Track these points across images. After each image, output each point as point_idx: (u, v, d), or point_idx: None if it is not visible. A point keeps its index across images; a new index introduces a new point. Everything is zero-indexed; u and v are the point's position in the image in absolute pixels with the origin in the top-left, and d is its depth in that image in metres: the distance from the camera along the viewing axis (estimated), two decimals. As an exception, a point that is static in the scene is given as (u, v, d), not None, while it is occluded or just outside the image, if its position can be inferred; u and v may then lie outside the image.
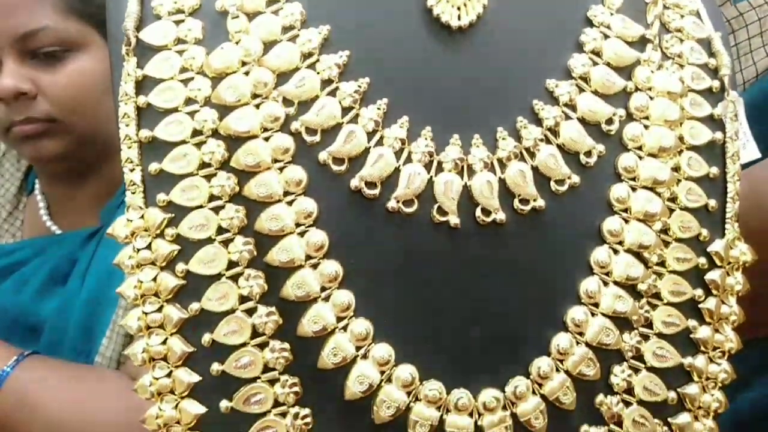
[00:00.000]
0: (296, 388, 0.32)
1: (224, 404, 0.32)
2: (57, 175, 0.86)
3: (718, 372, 0.36)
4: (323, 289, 0.33)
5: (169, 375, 0.32)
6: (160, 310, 0.33)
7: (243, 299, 0.32)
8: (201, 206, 0.33)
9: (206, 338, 0.32)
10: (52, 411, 0.67)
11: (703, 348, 0.36)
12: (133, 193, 0.33)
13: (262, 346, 0.32)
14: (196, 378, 0.32)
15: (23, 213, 0.94)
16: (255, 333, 0.32)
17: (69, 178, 0.85)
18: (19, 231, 0.93)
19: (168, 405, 0.32)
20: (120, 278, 0.84)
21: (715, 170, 0.38)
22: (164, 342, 0.32)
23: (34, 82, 0.74)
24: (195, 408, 0.32)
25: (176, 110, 0.34)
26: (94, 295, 0.80)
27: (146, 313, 0.32)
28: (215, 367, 0.32)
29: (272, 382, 0.32)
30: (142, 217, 0.33)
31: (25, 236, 0.92)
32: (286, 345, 0.32)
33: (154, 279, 0.33)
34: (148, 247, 0.33)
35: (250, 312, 0.32)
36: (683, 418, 0.36)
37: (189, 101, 0.34)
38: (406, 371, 0.33)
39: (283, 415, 0.32)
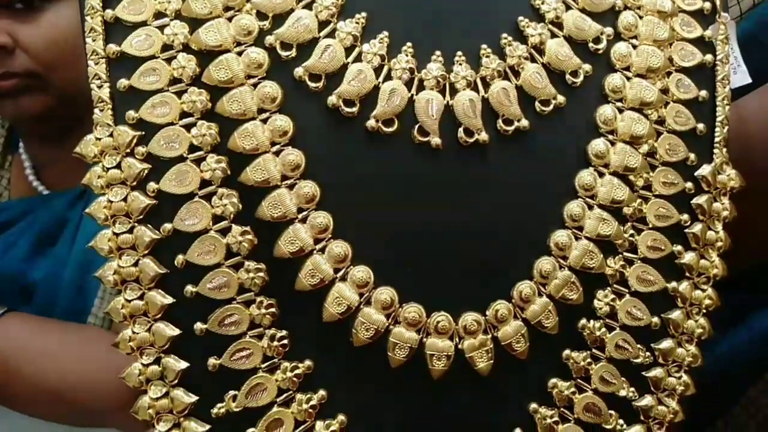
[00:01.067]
0: (272, 309, 0.31)
1: (199, 326, 0.32)
2: (39, 136, 0.84)
3: (703, 298, 0.36)
4: (300, 210, 0.32)
5: (141, 297, 0.32)
6: (131, 231, 0.32)
7: (217, 219, 0.31)
8: (172, 123, 0.31)
9: (179, 259, 0.32)
10: (33, 367, 0.65)
11: (688, 273, 0.36)
12: (101, 110, 0.32)
13: (236, 266, 0.31)
14: (169, 300, 0.32)
15: (9, 172, 0.92)
16: (229, 253, 0.31)
17: (51, 139, 0.83)
18: (6, 190, 0.92)
19: (141, 327, 0.31)
20: None
21: (704, 93, 0.37)
22: (136, 264, 0.32)
23: (11, 34, 0.70)
24: (169, 330, 0.32)
25: (145, 24, 0.32)
26: (84, 255, 0.79)
27: (117, 234, 0.31)
28: (189, 288, 0.32)
29: (248, 303, 0.32)
30: (111, 135, 0.32)
31: (13, 195, 0.91)
32: (262, 265, 0.31)
33: (125, 199, 0.31)
34: (118, 166, 0.32)
35: (224, 232, 0.31)
36: (667, 343, 0.35)
37: (158, 14, 0.32)
38: (386, 294, 0.32)
39: (260, 337, 0.32)
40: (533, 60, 0.34)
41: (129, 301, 0.31)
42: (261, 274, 0.31)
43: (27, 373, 0.65)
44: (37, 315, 0.77)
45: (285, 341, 0.32)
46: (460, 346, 0.33)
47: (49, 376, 0.65)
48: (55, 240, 0.80)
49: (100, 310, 0.77)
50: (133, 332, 0.31)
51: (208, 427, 0.32)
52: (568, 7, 0.35)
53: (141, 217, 0.31)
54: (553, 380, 0.34)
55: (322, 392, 0.32)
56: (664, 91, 0.35)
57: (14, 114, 0.76)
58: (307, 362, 0.32)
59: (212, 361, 0.32)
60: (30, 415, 0.68)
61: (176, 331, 0.32)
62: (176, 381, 0.32)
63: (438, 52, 0.33)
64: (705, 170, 0.36)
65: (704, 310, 0.36)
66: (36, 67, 0.71)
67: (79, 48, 0.73)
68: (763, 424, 0.68)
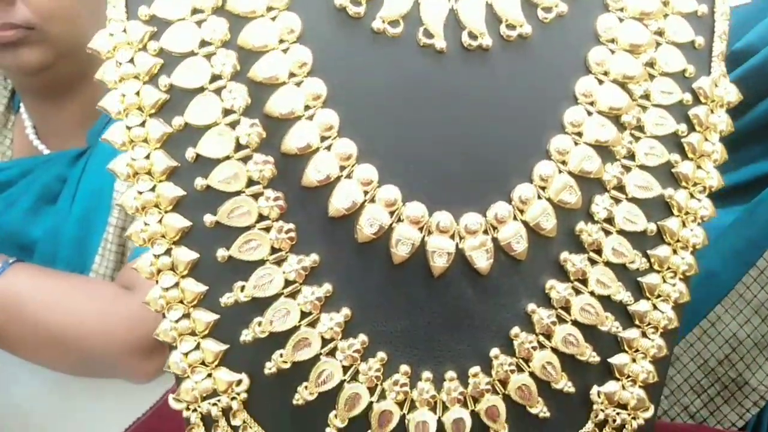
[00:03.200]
0: (280, 202, 0.32)
1: (209, 218, 0.33)
2: (39, 93, 0.85)
3: (698, 208, 0.37)
4: (307, 107, 0.33)
5: (153, 189, 0.33)
6: (143, 124, 0.33)
7: (227, 112, 0.32)
8: (183, 19, 0.32)
9: (190, 153, 0.33)
10: (41, 313, 0.67)
11: (684, 183, 0.36)
12: (114, 6, 0.32)
13: (245, 159, 0.32)
14: (180, 192, 0.33)
15: (12, 132, 0.93)
16: (239, 146, 0.32)
17: (51, 97, 0.83)
18: (9, 150, 0.93)
19: (153, 219, 0.32)
20: (109, 198, 0.84)
21: (704, 8, 0.37)
22: (148, 157, 0.33)
23: None
24: (179, 222, 0.33)
25: None
26: (84, 213, 0.80)
27: (129, 127, 0.32)
28: (199, 182, 0.33)
29: (256, 196, 0.33)
30: (125, 30, 0.33)
31: (14, 156, 0.92)
32: (270, 158, 0.32)
33: (137, 93, 0.32)
34: (131, 61, 0.33)
35: (234, 125, 0.32)
36: (662, 250, 0.36)
37: None
38: (390, 192, 0.33)
39: (267, 229, 0.33)
40: (536, -32, 0.35)
41: (141, 194, 0.33)
42: (269, 166, 0.32)
43: (34, 318, 0.67)
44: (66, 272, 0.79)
45: (292, 234, 0.33)
46: (460, 246, 0.34)
47: (55, 321, 0.67)
48: (55, 198, 0.82)
49: (101, 267, 0.79)
50: (145, 224, 0.33)
51: (217, 316, 0.33)
52: None
53: (153, 111, 0.33)
54: (551, 282, 0.35)
55: (327, 286, 0.33)
56: (665, 3, 0.36)
57: (13, 65, 0.77)
58: (314, 256, 0.33)
59: (222, 252, 0.33)
60: (38, 363, 0.70)
61: (187, 223, 0.33)
62: (186, 272, 0.33)
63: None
64: (703, 82, 0.37)
65: (699, 220, 0.37)
66: (36, 19, 0.72)
67: (78, 5, 0.75)
68: (703, 368, 0.69)
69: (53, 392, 0.74)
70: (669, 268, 0.36)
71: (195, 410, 0.33)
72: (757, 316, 0.67)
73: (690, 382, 0.73)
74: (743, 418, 0.70)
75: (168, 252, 0.33)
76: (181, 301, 0.33)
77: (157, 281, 0.33)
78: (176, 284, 0.33)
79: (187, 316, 0.33)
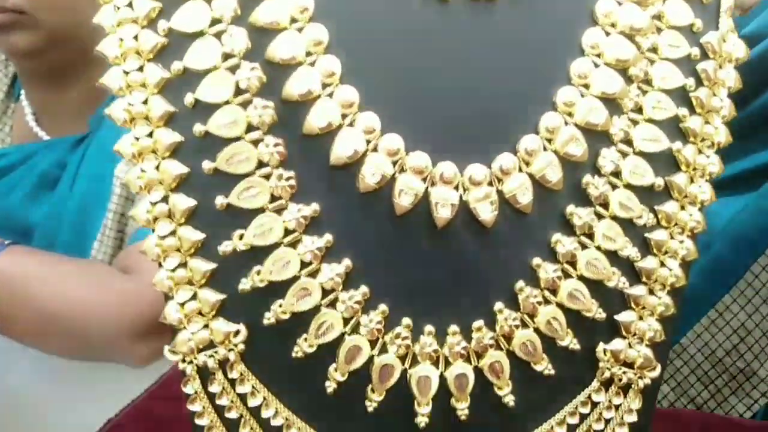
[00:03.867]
0: (280, 148, 0.32)
1: (207, 165, 0.32)
2: (38, 80, 0.85)
3: (706, 164, 0.36)
4: (308, 54, 0.32)
5: (150, 135, 0.32)
6: (141, 69, 0.32)
7: (226, 57, 0.32)
8: (182, -38, 0.32)
9: (189, 98, 0.32)
10: (36, 296, 0.66)
11: (692, 138, 0.36)
12: (110, -51, 0.32)
13: (245, 104, 0.32)
14: (178, 138, 0.32)
15: (11, 119, 0.93)
16: (238, 90, 0.32)
17: (50, 83, 0.83)
18: (8, 137, 0.93)
19: (150, 164, 0.32)
20: (109, 183, 0.84)
21: (712, -37, 0.37)
22: (146, 102, 0.32)
23: None
24: (177, 168, 0.32)
25: None
26: (84, 199, 0.80)
27: (127, 72, 0.32)
28: (198, 128, 0.32)
29: (256, 142, 0.32)
30: (121, -26, 0.32)
31: (14, 142, 0.92)
32: (270, 103, 0.32)
33: (136, 37, 0.32)
34: (129, 5, 0.32)
35: (233, 69, 0.32)
36: (670, 206, 0.35)
37: None
38: (393, 140, 0.33)
39: (267, 176, 0.32)
40: None
41: (138, 140, 0.32)
42: (269, 111, 0.31)
43: (28, 300, 0.66)
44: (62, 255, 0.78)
45: (292, 182, 0.32)
46: (464, 197, 0.33)
47: (50, 303, 0.66)
48: (55, 183, 0.82)
49: (99, 253, 0.78)
50: (142, 170, 0.32)
51: (214, 265, 0.32)
52: None
53: (152, 55, 0.32)
54: (557, 235, 0.34)
55: (328, 236, 0.32)
56: (673, -43, 0.36)
57: (6, 48, 0.77)
58: (314, 206, 0.32)
59: (220, 199, 0.32)
60: (33, 346, 0.69)
61: (185, 169, 0.32)
62: (184, 220, 0.32)
63: None
64: (710, 37, 0.36)
65: (707, 176, 0.36)
66: (26, 4, 0.72)
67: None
68: (710, 359, 0.69)
69: (46, 379, 0.74)
70: (677, 224, 0.36)
71: (191, 362, 0.32)
72: (766, 305, 0.66)
73: (697, 373, 0.72)
74: (751, 409, 0.69)
75: (165, 199, 0.32)
76: (178, 249, 0.32)
77: (153, 229, 0.32)
78: (173, 232, 0.32)
79: (183, 264, 0.32)
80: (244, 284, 0.32)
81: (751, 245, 0.66)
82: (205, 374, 0.33)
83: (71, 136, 0.83)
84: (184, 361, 0.32)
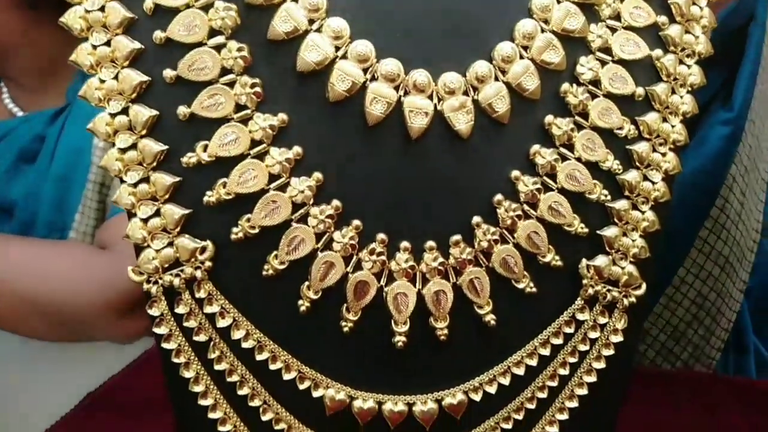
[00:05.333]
0: (244, 53, 0.30)
1: (168, 73, 0.30)
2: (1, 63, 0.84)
3: (687, 74, 0.35)
4: (272, -44, 0.31)
5: (108, 44, 0.30)
6: (99, -28, 0.31)
7: (186, -44, 0.30)
8: None
9: (148, 3, 0.30)
10: (16, 282, 0.65)
11: (672, 47, 0.35)
12: None
13: (206, 7, 0.30)
14: (137, 45, 0.30)
15: None
16: (199, -8, 0.30)
17: (9, 66, 0.82)
18: None
19: (108, 74, 0.30)
20: (88, 154, 0.83)
21: None
22: (102, 9, 0.30)
23: None
24: (137, 77, 0.30)
25: None
26: (63, 172, 0.79)
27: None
28: (158, 34, 0.30)
29: (218, 48, 0.30)
30: None
31: None
32: (233, 5, 0.30)
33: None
34: None
35: (193, -31, 0.30)
36: (651, 116, 0.34)
37: None
38: (363, 46, 0.31)
39: (231, 84, 0.31)
40: None
41: (95, 48, 0.30)
42: (232, 14, 0.30)
43: (11, 287, 0.65)
44: (19, 232, 0.77)
45: (258, 89, 0.30)
46: (439, 107, 0.32)
47: (30, 288, 0.65)
48: (34, 157, 0.80)
49: (81, 225, 0.77)
50: (101, 80, 0.30)
51: (178, 178, 0.31)
52: None
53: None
54: (536, 147, 0.33)
55: (297, 148, 0.31)
56: None
57: None
58: (281, 115, 0.31)
59: (182, 109, 0.30)
60: (20, 332, 0.68)
61: (144, 78, 0.30)
62: (145, 131, 0.31)
63: None
64: (688, -52, 0.35)
65: (689, 87, 0.35)
66: None
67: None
68: (672, 335, 0.68)
69: (16, 359, 0.72)
70: (659, 135, 0.34)
71: (156, 282, 0.31)
72: (717, 266, 0.65)
73: (663, 353, 0.71)
74: (710, 368, 0.69)
75: (125, 111, 0.30)
76: (140, 163, 0.30)
77: (113, 143, 0.30)
78: (134, 145, 0.30)
79: (146, 179, 0.31)
80: (210, 197, 0.30)
81: (694, 210, 0.65)
82: (171, 295, 0.31)
83: (49, 110, 0.82)
84: (149, 281, 0.31)
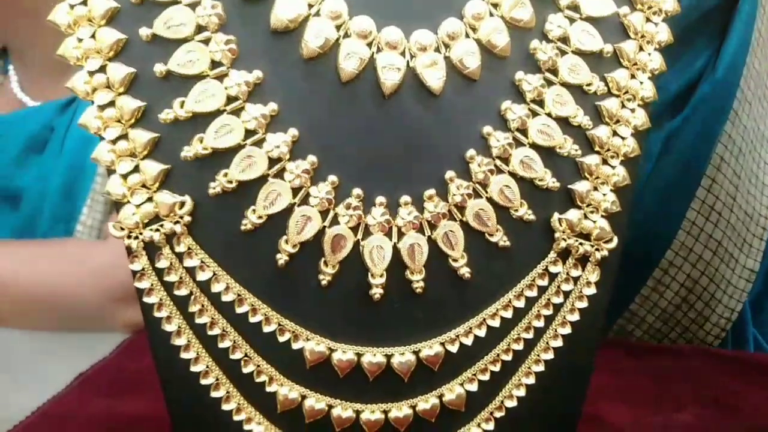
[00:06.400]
0: (218, 10, 0.31)
1: (144, 31, 0.31)
2: (15, 51, 0.84)
3: (654, 32, 0.36)
4: None
5: (84, 3, 0.31)
6: (72, -66, 0.31)
7: None
8: None
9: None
10: (21, 284, 0.67)
11: (639, 5, 0.35)
12: None
13: (179, -37, 0.31)
14: (113, 4, 0.31)
15: (1, 92, 0.92)
16: (173, -50, 0.31)
17: (20, 51, 0.82)
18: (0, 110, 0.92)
19: (86, 32, 0.31)
20: (97, 145, 0.85)
21: None
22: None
23: None
24: (114, 36, 0.31)
25: None
26: (72, 163, 0.80)
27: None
28: (133, -9, 0.31)
29: (193, 6, 0.31)
30: None
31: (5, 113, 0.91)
32: (206, -38, 0.31)
33: None
34: None
35: None
36: (620, 73, 0.35)
37: None
38: (335, 4, 0.32)
39: (206, 41, 0.31)
40: None
41: (72, 8, 0.31)
42: (206, -30, 0.31)
43: (10, 290, 0.67)
44: (25, 221, 0.79)
45: (233, 46, 0.31)
46: (411, 64, 0.33)
47: (32, 287, 0.67)
48: (43, 147, 0.81)
49: (89, 218, 0.78)
50: (78, 39, 0.31)
51: (156, 135, 0.31)
52: None
53: None
54: (507, 103, 0.34)
55: (272, 105, 0.32)
56: None
57: None
58: (257, 72, 0.32)
59: (159, 66, 0.31)
60: (27, 328, 0.69)
61: (121, 36, 0.31)
62: (123, 89, 0.31)
63: None
64: None
65: (656, 45, 0.36)
66: None
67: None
68: (661, 317, 0.68)
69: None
70: (627, 92, 0.35)
71: (136, 238, 0.31)
72: (708, 249, 0.66)
73: (650, 332, 0.71)
74: None
75: (103, 69, 0.31)
76: (119, 120, 0.31)
77: (92, 102, 0.31)
78: (112, 102, 0.31)
79: (124, 136, 0.31)
80: (187, 152, 0.31)
81: (680, 190, 0.65)
82: (151, 250, 0.32)
83: (59, 100, 0.83)
84: (129, 237, 0.32)
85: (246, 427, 0.33)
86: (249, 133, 0.31)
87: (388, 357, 0.33)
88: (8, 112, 0.89)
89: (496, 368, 0.35)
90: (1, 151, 0.83)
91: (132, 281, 0.65)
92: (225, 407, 0.33)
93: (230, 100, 0.31)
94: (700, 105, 0.60)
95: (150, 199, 0.31)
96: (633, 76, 0.35)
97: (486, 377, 0.35)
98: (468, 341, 0.34)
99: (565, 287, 0.35)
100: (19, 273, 0.68)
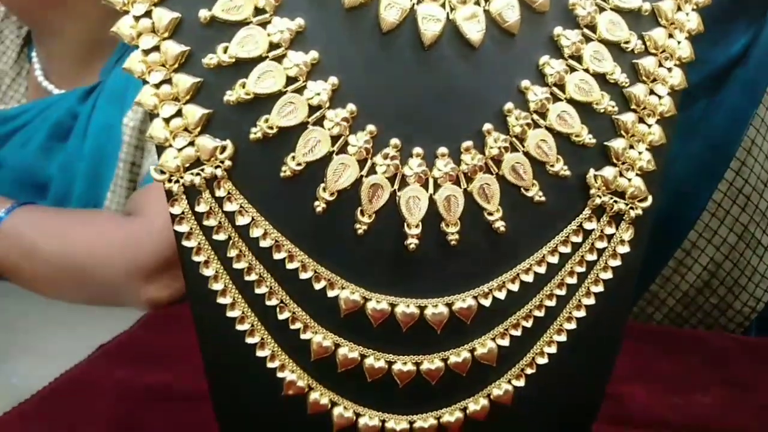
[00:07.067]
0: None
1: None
2: (41, 35, 0.86)
3: (694, -6, 0.36)
4: None
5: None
6: None
7: None
8: None
9: None
10: (48, 250, 0.69)
11: (679, -38, 0.36)
12: None
13: None
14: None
15: (27, 80, 0.94)
16: None
17: (51, 37, 0.84)
18: (24, 98, 0.93)
19: (132, -19, 0.32)
20: (118, 132, 0.86)
21: None
22: None
23: None
24: (158, -19, 0.32)
25: None
26: (95, 149, 0.82)
27: None
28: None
29: (238, -47, 0.32)
30: None
31: (29, 101, 0.92)
32: None
33: None
34: None
35: None
36: (657, 32, 0.35)
37: None
38: None
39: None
40: None
41: (119, -50, 0.32)
42: None
43: (39, 253, 0.69)
44: (71, 209, 0.79)
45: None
46: (451, 16, 0.33)
47: (61, 254, 0.69)
48: (67, 135, 0.83)
49: (112, 204, 0.80)
50: (124, -10, 0.32)
51: (199, 79, 0.32)
52: None
53: None
54: (545, 57, 0.34)
55: (314, 53, 0.32)
56: None
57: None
58: (299, 20, 0.32)
59: (203, 12, 0.32)
60: (52, 297, 0.71)
61: (165, -16, 0.32)
62: (167, 33, 0.32)
63: None
64: None
65: (693, 5, 0.36)
66: None
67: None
68: (682, 300, 0.67)
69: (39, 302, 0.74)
70: (665, 51, 0.35)
71: (177, 181, 0.32)
72: (733, 233, 0.65)
73: (670, 317, 0.71)
74: None
75: (148, 14, 0.32)
76: (163, 65, 0.32)
77: (137, 45, 0.32)
78: (157, 47, 0.32)
79: (168, 80, 0.32)
80: (230, 96, 0.31)
81: (708, 170, 0.64)
82: (192, 194, 0.32)
83: (82, 87, 0.84)
84: (170, 180, 0.32)
85: (279, 374, 0.34)
86: (290, 80, 0.32)
87: (422, 308, 0.34)
88: (32, 100, 0.90)
89: (528, 324, 0.35)
90: (28, 139, 0.84)
91: (157, 256, 0.67)
92: (259, 353, 0.33)
93: (272, 47, 0.32)
94: (734, 86, 0.60)
95: (191, 144, 0.32)
96: (671, 36, 0.35)
97: (518, 332, 0.35)
98: (501, 295, 0.34)
99: (599, 245, 0.35)
100: (49, 240, 0.69)
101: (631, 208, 0.35)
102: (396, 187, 0.33)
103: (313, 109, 0.32)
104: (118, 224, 0.72)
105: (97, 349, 0.62)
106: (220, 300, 0.33)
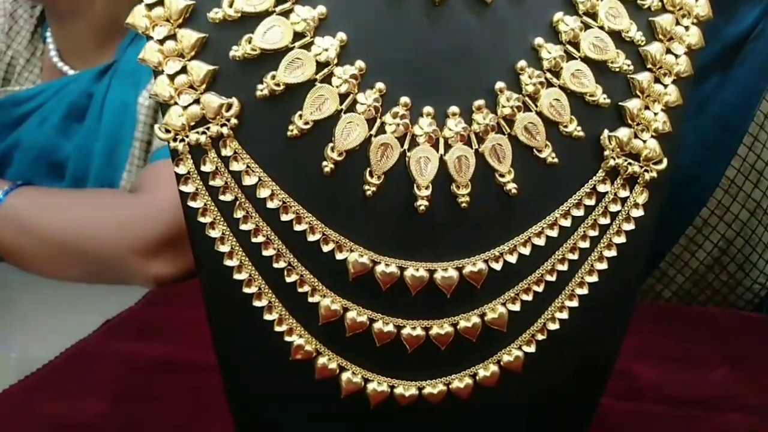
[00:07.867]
0: None
1: (194, -71, 0.31)
2: (55, 14, 0.86)
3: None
4: None
5: None
6: None
7: None
8: None
9: None
10: (47, 230, 0.69)
11: None
12: None
13: None
14: None
15: (41, 60, 0.93)
16: None
17: (66, 16, 0.83)
18: (39, 78, 0.93)
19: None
20: (133, 111, 0.86)
21: None
22: None
23: None
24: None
25: None
26: (111, 128, 0.82)
27: None
28: None
29: None
30: None
31: (45, 82, 0.91)
32: None
33: None
34: None
35: None
36: (666, 17, 0.34)
37: None
38: None
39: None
40: None
41: None
42: None
43: (42, 233, 0.69)
44: (72, 188, 0.80)
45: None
46: (461, -27, 0.32)
47: (62, 232, 0.68)
48: (83, 114, 0.83)
49: (128, 183, 0.79)
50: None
51: (204, 34, 0.31)
52: None
53: None
54: (559, 14, 0.33)
55: (321, 8, 0.31)
56: None
57: None
58: (306, -26, 0.31)
59: (208, -34, 0.31)
60: (53, 276, 0.70)
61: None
62: (171, -12, 0.31)
63: None
64: None
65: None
66: None
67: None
68: (691, 278, 0.66)
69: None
70: (681, 8, 0.34)
71: (182, 140, 0.31)
72: (746, 210, 0.64)
73: (679, 294, 0.70)
74: None
75: (152, -31, 0.31)
76: (167, 19, 0.31)
77: (142, 1, 0.31)
78: (161, 1, 0.31)
79: (172, 36, 0.31)
80: (236, 51, 0.31)
81: (719, 147, 0.63)
82: (197, 154, 0.32)
83: (96, 67, 0.83)
84: (175, 139, 0.31)
85: (287, 338, 0.33)
86: (297, 35, 0.31)
87: (431, 272, 0.33)
88: (47, 81, 0.89)
89: (540, 289, 0.34)
90: (44, 120, 0.84)
91: (160, 232, 0.66)
92: (267, 317, 0.33)
93: (279, 2, 0.31)
94: (747, 60, 0.59)
95: (197, 101, 0.31)
96: (689, -7, 0.35)
97: (529, 297, 0.34)
98: (512, 259, 0.34)
99: (613, 208, 0.34)
100: (52, 219, 0.69)
101: (646, 170, 0.34)
102: (406, 147, 0.32)
103: (320, 65, 0.31)
104: (121, 201, 0.72)
105: (102, 325, 0.62)
106: (227, 262, 0.32)
